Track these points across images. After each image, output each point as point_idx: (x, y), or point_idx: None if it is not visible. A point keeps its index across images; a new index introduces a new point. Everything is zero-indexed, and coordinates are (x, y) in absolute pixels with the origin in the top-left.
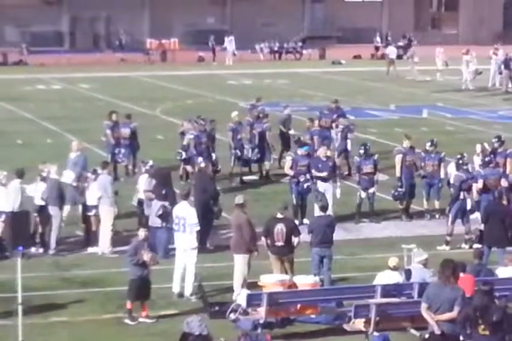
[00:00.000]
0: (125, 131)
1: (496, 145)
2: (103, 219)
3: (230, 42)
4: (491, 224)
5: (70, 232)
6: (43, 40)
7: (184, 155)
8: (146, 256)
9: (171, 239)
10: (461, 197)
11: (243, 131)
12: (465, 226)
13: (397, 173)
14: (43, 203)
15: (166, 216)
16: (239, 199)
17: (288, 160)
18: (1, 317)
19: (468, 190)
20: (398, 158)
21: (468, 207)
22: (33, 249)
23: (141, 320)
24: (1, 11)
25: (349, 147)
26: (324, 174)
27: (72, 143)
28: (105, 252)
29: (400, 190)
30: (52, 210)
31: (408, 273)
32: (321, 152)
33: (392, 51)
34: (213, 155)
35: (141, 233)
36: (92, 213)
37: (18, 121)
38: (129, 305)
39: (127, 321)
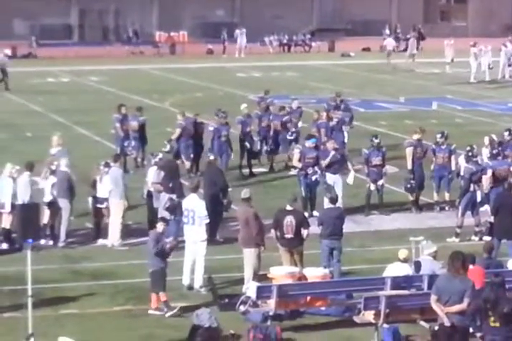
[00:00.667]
0: (134, 124)
1: (508, 138)
2: (113, 211)
3: (241, 35)
4: (501, 216)
5: (80, 224)
6: (52, 33)
7: (168, 148)
8: (171, 243)
9: (181, 231)
10: (471, 189)
11: (252, 123)
12: (475, 219)
13: (409, 166)
14: (51, 197)
15: (173, 208)
16: (245, 193)
17: (296, 153)
18: (11, 309)
19: (478, 182)
20: (409, 151)
21: (479, 199)
22: (42, 241)
23: (151, 312)
24: (10, 3)
25: (345, 139)
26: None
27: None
28: (115, 245)
29: (412, 182)
30: (62, 203)
31: (418, 265)
32: (330, 144)
33: (389, 43)
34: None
35: (160, 226)
36: (103, 205)
37: (27, 113)
38: (163, 296)
39: (167, 313)
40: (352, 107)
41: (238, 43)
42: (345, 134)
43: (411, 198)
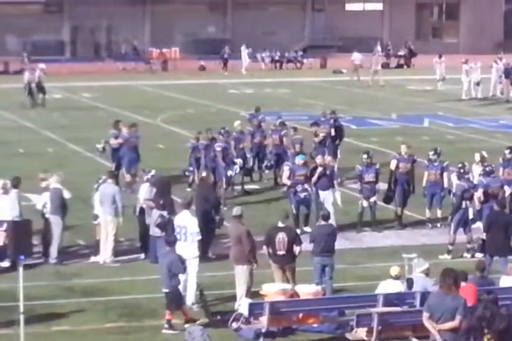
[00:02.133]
0: (133, 141)
1: (509, 156)
2: (106, 228)
3: (244, 52)
4: (493, 233)
5: (72, 241)
6: (44, 49)
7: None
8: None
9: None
10: (463, 206)
11: (245, 140)
12: (467, 236)
13: (389, 177)
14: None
15: (164, 225)
16: (237, 211)
17: (285, 170)
18: (3, 326)
19: (470, 199)
20: (391, 163)
21: (471, 216)
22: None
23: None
24: (2, 20)
25: (335, 155)
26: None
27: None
28: (107, 261)
29: (387, 193)
30: (54, 219)
31: (410, 283)
32: (318, 160)
33: (357, 57)
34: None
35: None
36: (96, 222)
37: (19, 130)
38: (169, 315)
39: (165, 330)
40: (343, 124)
41: (243, 60)
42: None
43: (399, 213)
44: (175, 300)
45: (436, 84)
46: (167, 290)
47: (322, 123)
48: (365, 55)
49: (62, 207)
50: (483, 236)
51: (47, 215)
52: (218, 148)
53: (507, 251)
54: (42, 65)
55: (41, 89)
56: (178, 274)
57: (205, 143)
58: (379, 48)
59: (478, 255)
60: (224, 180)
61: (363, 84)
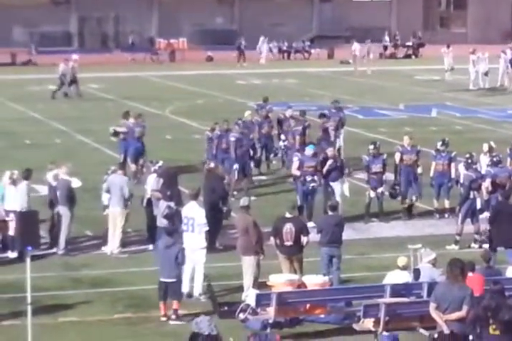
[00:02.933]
0: (139, 131)
1: None
2: (114, 219)
3: (263, 43)
4: (499, 224)
5: (79, 232)
6: (51, 40)
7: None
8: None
9: (180, 238)
10: (471, 196)
11: (253, 130)
12: (474, 226)
13: (395, 171)
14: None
15: (171, 216)
16: (244, 201)
17: (295, 161)
18: (11, 317)
19: (478, 189)
20: (396, 156)
21: (478, 206)
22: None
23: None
24: (9, 11)
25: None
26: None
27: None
28: (114, 252)
29: (396, 187)
30: (62, 210)
31: (417, 273)
32: (329, 152)
33: (357, 48)
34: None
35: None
36: (105, 212)
37: (27, 121)
38: (176, 304)
39: (172, 321)
40: (350, 114)
41: (262, 51)
42: (339, 140)
43: (403, 205)
44: (180, 289)
45: (444, 74)
46: (173, 280)
47: (332, 115)
48: (374, 46)
49: (70, 198)
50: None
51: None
52: (232, 138)
53: None
54: (75, 56)
55: (74, 80)
56: (182, 264)
57: (218, 134)
58: (387, 38)
59: (486, 246)
60: (235, 171)
61: (363, 74)
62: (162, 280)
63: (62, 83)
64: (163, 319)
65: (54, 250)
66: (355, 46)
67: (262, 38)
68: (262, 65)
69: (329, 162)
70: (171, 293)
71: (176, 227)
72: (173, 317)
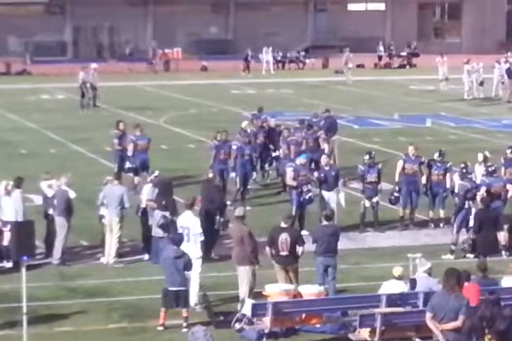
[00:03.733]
0: (143, 143)
1: (511, 155)
2: (111, 229)
3: (266, 53)
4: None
5: (75, 242)
6: (46, 50)
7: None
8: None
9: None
10: (466, 206)
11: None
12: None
13: (396, 178)
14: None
15: (166, 226)
16: (239, 211)
17: (289, 171)
18: (6, 327)
19: (473, 199)
20: (398, 164)
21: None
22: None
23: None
24: (4, 20)
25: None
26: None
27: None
28: (110, 262)
29: (395, 194)
30: (59, 221)
31: (413, 283)
32: (323, 160)
33: (350, 58)
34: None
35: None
36: (101, 222)
37: (22, 131)
38: (185, 312)
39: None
40: (345, 124)
41: (264, 61)
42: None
43: (401, 214)
44: (188, 298)
45: (439, 84)
46: (183, 288)
47: (314, 124)
48: (368, 55)
49: (68, 209)
50: (473, 236)
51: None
52: (234, 146)
53: (498, 249)
54: (94, 65)
55: (94, 89)
56: (189, 270)
57: (216, 144)
58: (381, 48)
59: (469, 255)
60: (237, 180)
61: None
62: (171, 289)
63: (83, 92)
64: (160, 328)
65: (49, 260)
66: (349, 56)
67: (265, 49)
68: (265, 75)
69: (325, 169)
70: (182, 301)
71: (182, 236)
72: (185, 324)
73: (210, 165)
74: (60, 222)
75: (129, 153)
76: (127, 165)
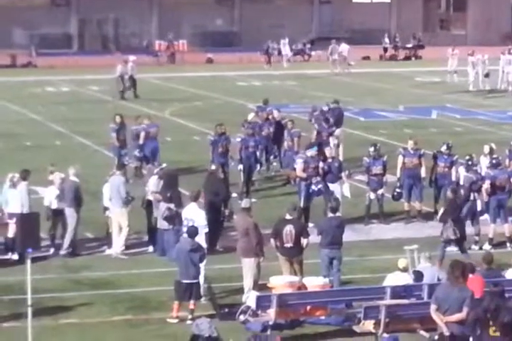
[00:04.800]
0: (154, 131)
1: None
2: (117, 220)
3: (284, 45)
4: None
5: (80, 234)
6: (51, 42)
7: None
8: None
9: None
10: (471, 198)
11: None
12: (474, 228)
13: (397, 174)
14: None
15: (171, 218)
16: (245, 203)
17: (299, 163)
18: (11, 319)
19: (478, 191)
20: (399, 160)
21: (479, 208)
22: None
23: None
24: (9, 13)
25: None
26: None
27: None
28: (118, 252)
29: (398, 190)
30: (69, 212)
31: (419, 276)
32: (327, 152)
33: (344, 49)
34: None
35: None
36: (106, 214)
37: (27, 123)
38: (193, 305)
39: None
40: (350, 116)
41: (282, 53)
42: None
43: (406, 208)
44: (200, 290)
45: (447, 76)
46: (196, 281)
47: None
48: (374, 47)
49: (77, 199)
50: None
51: (53, 207)
52: (238, 139)
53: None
54: (133, 57)
55: (133, 81)
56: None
57: (211, 140)
58: (387, 40)
59: (486, 247)
60: (240, 172)
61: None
62: (185, 281)
63: (123, 84)
64: (174, 321)
65: (52, 251)
66: (343, 47)
67: (282, 41)
68: (285, 68)
69: (328, 161)
70: (194, 293)
71: (196, 228)
72: (190, 316)
73: (211, 159)
74: (69, 213)
75: (141, 141)
76: (135, 153)
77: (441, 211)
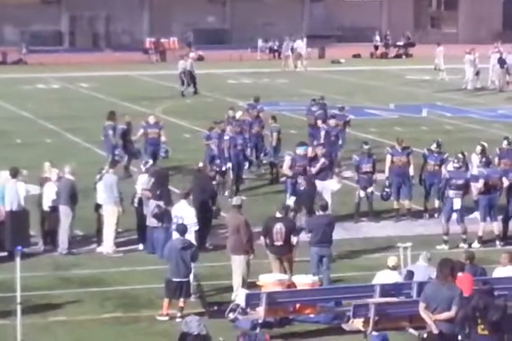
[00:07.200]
0: (155, 131)
1: (506, 146)
2: (107, 218)
3: (287, 44)
4: None
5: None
6: (42, 40)
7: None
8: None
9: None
10: (450, 195)
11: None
12: (460, 226)
13: (386, 173)
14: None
15: (160, 215)
16: (236, 200)
17: (287, 160)
18: (0, 316)
19: (458, 189)
20: (387, 159)
21: (457, 206)
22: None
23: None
24: (0, 10)
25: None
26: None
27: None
28: (109, 252)
29: (386, 190)
30: (63, 209)
31: (410, 275)
32: (319, 151)
33: (299, 46)
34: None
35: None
36: (98, 212)
37: (17, 120)
38: (182, 302)
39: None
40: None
41: (301, 53)
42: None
43: (395, 206)
44: (190, 288)
45: (438, 74)
46: (187, 279)
47: (337, 117)
48: (365, 45)
49: (72, 197)
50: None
51: (45, 208)
52: (226, 137)
53: None
54: (192, 53)
55: (192, 76)
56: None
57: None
58: (378, 38)
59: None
60: (229, 170)
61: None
62: (175, 279)
63: (182, 80)
64: (164, 318)
65: (42, 248)
66: (298, 44)
67: (299, 40)
68: (305, 67)
69: (322, 160)
70: (184, 291)
71: (185, 226)
72: (179, 314)
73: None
74: (63, 211)
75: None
76: (131, 149)
77: None
